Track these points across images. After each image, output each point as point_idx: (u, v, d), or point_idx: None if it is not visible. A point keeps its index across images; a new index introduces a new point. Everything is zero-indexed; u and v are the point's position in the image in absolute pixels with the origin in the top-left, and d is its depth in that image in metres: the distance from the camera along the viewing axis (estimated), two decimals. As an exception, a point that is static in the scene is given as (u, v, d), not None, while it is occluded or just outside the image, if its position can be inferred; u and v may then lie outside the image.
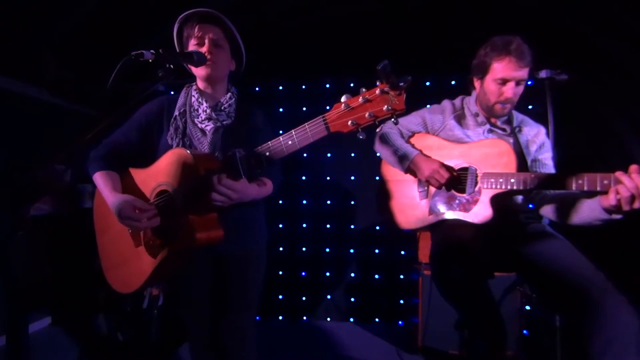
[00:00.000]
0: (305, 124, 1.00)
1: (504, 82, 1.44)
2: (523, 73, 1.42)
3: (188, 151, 1.20)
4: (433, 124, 1.65)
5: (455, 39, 1.67)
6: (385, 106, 0.91)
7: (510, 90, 1.44)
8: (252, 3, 2.57)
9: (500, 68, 1.43)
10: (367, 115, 0.92)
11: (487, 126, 1.57)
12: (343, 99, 0.96)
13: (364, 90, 0.94)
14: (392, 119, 0.93)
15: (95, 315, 2.46)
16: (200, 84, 1.39)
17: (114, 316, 2.41)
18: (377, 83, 0.92)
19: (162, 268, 1.24)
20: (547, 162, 1.55)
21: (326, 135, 0.99)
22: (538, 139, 1.56)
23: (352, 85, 2.99)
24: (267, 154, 1.07)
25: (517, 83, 1.44)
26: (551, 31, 2.46)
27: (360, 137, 0.96)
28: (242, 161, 1.10)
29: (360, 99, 0.93)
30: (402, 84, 0.89)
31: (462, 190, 1.47)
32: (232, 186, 1.13)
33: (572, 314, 1.25)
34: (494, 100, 1.48)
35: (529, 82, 2.57)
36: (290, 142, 1.03)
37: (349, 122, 0.94)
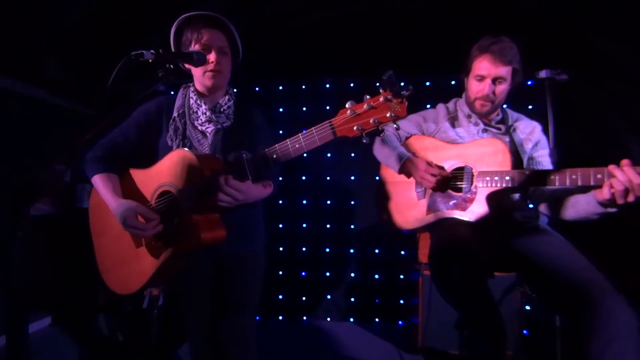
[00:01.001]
0: (313, 128, 1.03)
1: (481, 79, 1.50)
2: (500, 71, 1.46)
3: (191, 152, 1.20)
4: (428, 127, 1.68)
5: (455, 39, 1.67)
6: (389, 113, 0.96)
7: (487, 87, 1.48)
8: (252, 3, 2.56)
9: (477, 66, 1.50)
10: (371, 121, 0.97)
11: (482, 126, 1.58)
12: (348, 104, 1.00)
13: (367, 97, 0.98)
14: (394, 125, 0.99)
15: (95, 316, 2.46)
16: (199, 86, 1.39)
17: (114, 316, 2.41)
18: (381, 90, 0.97)
19: (164, 268, 1.24)
20: (542, 159, 1.55)
21: (332, 140, 1.03)
22: (533, 136, 1.57)
23: (352, 85, 2.99)
24: (275, 156, 1.09)
25: (495, 81, 1.48)
26: (551, 31, 2.46)
27: (365, 141, 1.01)
28: (249, 162, 1.11)
29: (365, 106, 0.98)
30: (404, 92, 0.94)
31: (459, 190, 1.47)
32: (238, 187, 1.14)
33: (571, 314, 1.25)
34: (473, 97, 1.54)
35: (529, 82, 2.61)
36: (297, 145, 1.05)
37: (355, 127, 0.99)
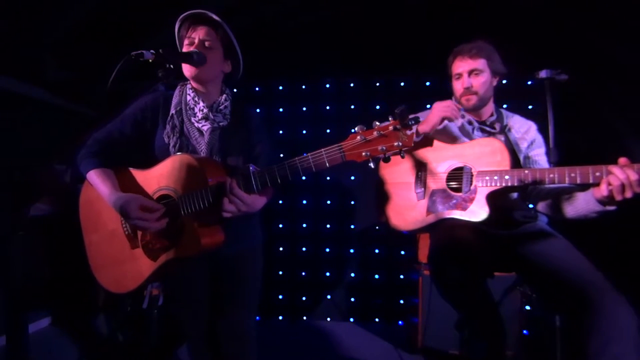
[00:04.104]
0: (322, 149, 1.06)
1: (459, 76, 1.60)
2: (472, 64, 1.56)
3: (193, 157, 1.20)
4: None
5: (456, 39, 1.68)
6: (397, 142, 1.00)
7: (465, 81, 1.57)
8: (252, 3, 2.56)
9: (453, 68, 1.63)
10: (379, 148, 1.01)
11: (476, 125, 1.61)
12: (357, 129, 1.03)
13: (377, 124, 1.01)
14: (400, 154, 1.03)
15: (95, 316, 2.46)
16: (194, 83, 1.38)
17: (114, 316, 2.41)
18: (390, 119, 1.01)
19: (161, 271, 1.24)
20: (537, 158, 1.57)
21: (340, 163, 1.06)
22: (528, 135, 1.59)
23: (352, 85, 3.00)
24: (283, 172, 1.10)
25: (470, 73, 1.57)
26: (551, 31, 2.46)
27: (371, 165, 1.04)
28: (256, 176, 1.13)
29: (375, 133, 1.01)
30: (412, 122, 0.99)
31: (459, 190, 1.48)
32: (243, 198, 1.14)
33: (571, 314, 1.26)
34: (458, 96, 1.62)
35: (529, 82, 2.61)
36: (306, 165, 1.08)
37: (363, 153, 1.02)
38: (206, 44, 1.31)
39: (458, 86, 1.61)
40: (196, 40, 1.30)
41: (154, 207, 1.21)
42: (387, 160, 1.03)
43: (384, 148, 1.00)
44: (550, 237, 1.43)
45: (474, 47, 1.56)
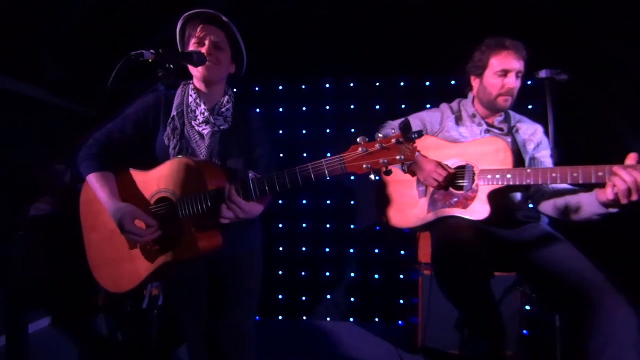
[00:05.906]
0: (323, 160, 1.05)
1: (505, 73, 1.49)
2: (521, 65, 1.49)
3: (193, 160, 1.20)
4: (432, 126, 1.67)
5: (456, 39, 1.68)
6: (399, 156, 0.99)
7: (512, 81, 1.48)
8: (252, 3, 2.56)
9: (499, 61, 1.49)
10: (381, 161, 1.00)
11: (485, 127, 1.59)
12: (360, 140, 1.02)
13: (380, 136, 1.01)
14: (402, 167, 1.01)
15: (95, 316, 2.46)
16: (198, 84, 1.38)
17: (114, 316, 2.40)
18: (392, 131, 0.98)
19: (159, 272, 1.24)
20: (544, 159, 1.57)
21: (341, 174, 1.05)
22: (535, 137, 1.58)
23: (352, 85, 3.00)
24: (282, 181, 1.10)
25: (517, 75, 1.49)
26: (551, 31, 2.46)
27: (372, 177, 1.03)
28: (255, 184, 1.13)
29: (377, 146, 1.00)
30: (415, 136, 0.98)
31: (460, 188, 1.48)
32: (241, 205, 1.14)
33: (571, 314, 1.25)
34: (495, 94, 1.52)
35: (529, 82, 2.61)
36: (306, 175, 1.07)
37: (364, 165, 1.02)
38: (219, 45, 1.31)
39: (500, 83, 1.49)
40: (207, 41, 1.29)
41: (149, 222, 1.21)
42: (388, 173, 1.01)
43: (386, 161, 0.99)
44: (551, 237, 1.43)
45: (520, 46, 1.47)
